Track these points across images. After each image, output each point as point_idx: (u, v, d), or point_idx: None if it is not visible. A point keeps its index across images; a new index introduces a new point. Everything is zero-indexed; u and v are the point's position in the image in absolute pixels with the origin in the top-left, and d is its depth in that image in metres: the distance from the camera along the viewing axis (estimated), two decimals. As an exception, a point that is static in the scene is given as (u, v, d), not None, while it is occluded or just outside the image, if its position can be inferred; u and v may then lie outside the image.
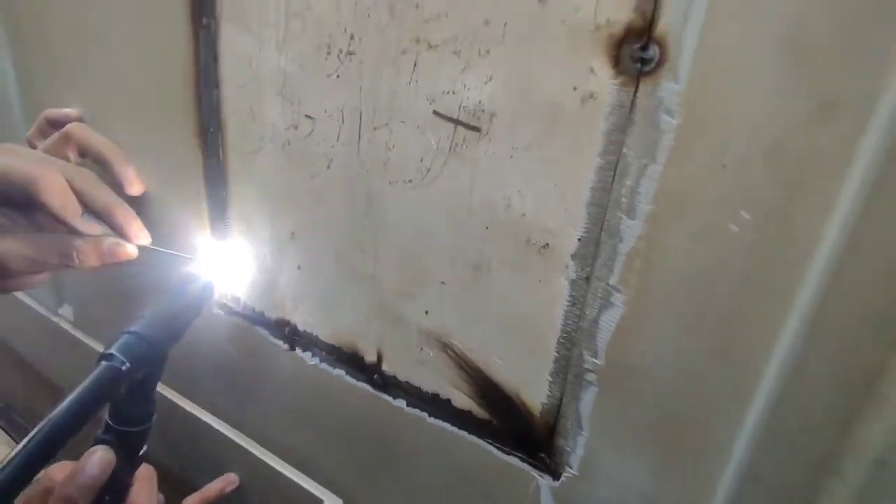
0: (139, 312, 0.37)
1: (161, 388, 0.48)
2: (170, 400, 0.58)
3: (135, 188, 0.49)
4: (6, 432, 1.01)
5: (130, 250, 0.44)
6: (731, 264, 0.27)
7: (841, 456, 0.26)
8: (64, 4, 0.51)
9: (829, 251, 0.24)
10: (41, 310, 0.74)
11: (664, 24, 0.25)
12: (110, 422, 0.38)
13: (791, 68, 0.23)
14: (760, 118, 0.24)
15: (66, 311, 0.71)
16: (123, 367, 0.33)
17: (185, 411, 0.58)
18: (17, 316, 0.78)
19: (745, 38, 0.24)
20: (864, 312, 0.24)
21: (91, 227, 0.44)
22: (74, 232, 0.43)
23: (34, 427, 0.30)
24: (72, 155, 0.48)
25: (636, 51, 0.26)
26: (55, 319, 0.73)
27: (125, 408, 0.38)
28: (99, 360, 0.33)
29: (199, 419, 0.57)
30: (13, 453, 0.29)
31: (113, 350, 0.33)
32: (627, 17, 0.26)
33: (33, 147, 0.52)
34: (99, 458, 0.37)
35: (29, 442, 0.29)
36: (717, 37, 0.24)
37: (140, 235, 0.45)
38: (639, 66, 0.26)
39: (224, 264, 0.47)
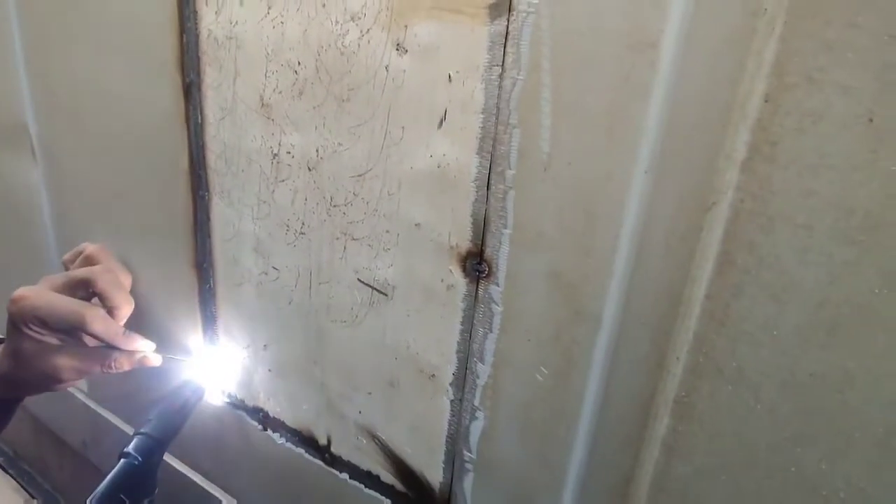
0: (148, 416, 0.51)
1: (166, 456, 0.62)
2: (168, 463, 0.72)
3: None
4: (16, 479, 1.13)
5: (156, 361, 0.58)
6: (539, 399, 0.41)
7: None
8: (96, 162, 0.66)
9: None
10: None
11: (489, 252, 0.40)
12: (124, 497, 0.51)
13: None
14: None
15: (82, 383, 0.85)
16: (136, 462, 0.46)
17: (181, 474, 0.71)
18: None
19: (533, 266, 0.38)
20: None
21: (130, 341, 0.57)
22: (114, 347, 0.56)
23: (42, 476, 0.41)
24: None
25: (474, 264, 0.40)
26: (70, 389, 0.86)
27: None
28: (119, 457, 0.47)
29: (192, 481, 0.70)
30: None
31: (130, 449, 0.47)
32: (467, 245, 0.40)
33: (66, 268, 0.67)
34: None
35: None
36: (519, 262, 0.39)
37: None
38: (476, 273, 0.40)
39: (213, 365, 0.61)
